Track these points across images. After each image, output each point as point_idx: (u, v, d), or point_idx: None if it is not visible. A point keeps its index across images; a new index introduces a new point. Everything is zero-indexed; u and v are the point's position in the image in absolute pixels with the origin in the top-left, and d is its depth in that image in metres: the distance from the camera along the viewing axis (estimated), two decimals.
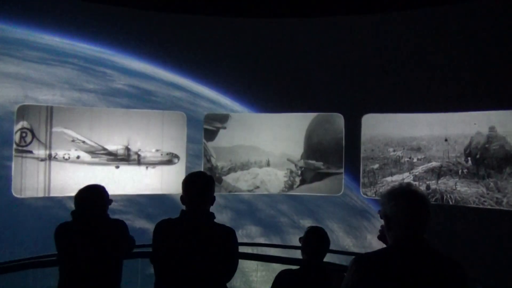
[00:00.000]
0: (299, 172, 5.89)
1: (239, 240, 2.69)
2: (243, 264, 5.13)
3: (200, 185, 2.54)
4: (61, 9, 6.57)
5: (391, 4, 6.67)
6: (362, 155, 5.76)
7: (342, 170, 5.74)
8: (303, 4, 7.19)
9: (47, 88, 8.06)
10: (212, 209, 2.60)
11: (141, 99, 9.01)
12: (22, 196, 5.01)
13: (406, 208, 1.81)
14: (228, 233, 2.55)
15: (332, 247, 2.78)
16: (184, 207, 2.56)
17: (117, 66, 8.50)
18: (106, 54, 8.06)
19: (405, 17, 6.61)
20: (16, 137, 5.02)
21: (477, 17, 6.13)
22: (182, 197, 2.54)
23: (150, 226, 5.28)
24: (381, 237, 2.12)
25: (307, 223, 9.05)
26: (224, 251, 2.50)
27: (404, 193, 1.85)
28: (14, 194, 4.95)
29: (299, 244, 2.79)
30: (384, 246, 2.06)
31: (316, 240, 2.73)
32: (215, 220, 2.56)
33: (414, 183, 5.44)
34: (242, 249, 5.97)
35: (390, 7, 6.68)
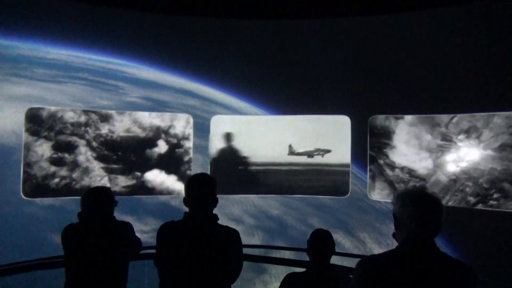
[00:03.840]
0: (306, 172, 5.80)
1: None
2: None
3: (203, 186, 2.50)
4: (61, 17, 6.45)
5: (398, 5, 6.50)
6: (369, 157, 5.64)
7: (349, 171, 5.68)
8: (310, 5, 7.04)
9: (61, 108, 8.00)
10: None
11: (156, 111, 8.84)
12: (32, 198, 5.19)
13: (413, 211, 1.77)
14: (232, 235, 2.51)
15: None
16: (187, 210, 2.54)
17: (127, 77, 8.36)
18: (115, 65, 7.93)
19: (412, 18, 6.44)
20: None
21: (489, 18, 5.86)
22: (185, 200, 2.52)
23: None
24: (395, 235, 2.00)
25: (339, 236, 8.87)
26: (228, 252, 2.47)
27: (413, 195, 1.82)
28: (23, 196, 5.07)
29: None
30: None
31: (320, 242, 2.74)
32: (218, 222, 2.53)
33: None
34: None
35: (397, 8, 6.50)
